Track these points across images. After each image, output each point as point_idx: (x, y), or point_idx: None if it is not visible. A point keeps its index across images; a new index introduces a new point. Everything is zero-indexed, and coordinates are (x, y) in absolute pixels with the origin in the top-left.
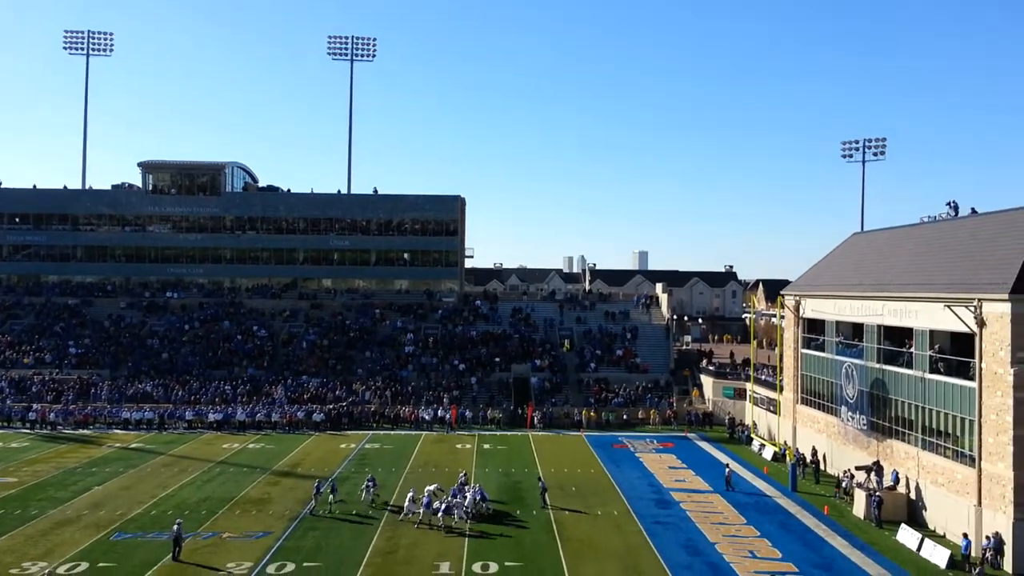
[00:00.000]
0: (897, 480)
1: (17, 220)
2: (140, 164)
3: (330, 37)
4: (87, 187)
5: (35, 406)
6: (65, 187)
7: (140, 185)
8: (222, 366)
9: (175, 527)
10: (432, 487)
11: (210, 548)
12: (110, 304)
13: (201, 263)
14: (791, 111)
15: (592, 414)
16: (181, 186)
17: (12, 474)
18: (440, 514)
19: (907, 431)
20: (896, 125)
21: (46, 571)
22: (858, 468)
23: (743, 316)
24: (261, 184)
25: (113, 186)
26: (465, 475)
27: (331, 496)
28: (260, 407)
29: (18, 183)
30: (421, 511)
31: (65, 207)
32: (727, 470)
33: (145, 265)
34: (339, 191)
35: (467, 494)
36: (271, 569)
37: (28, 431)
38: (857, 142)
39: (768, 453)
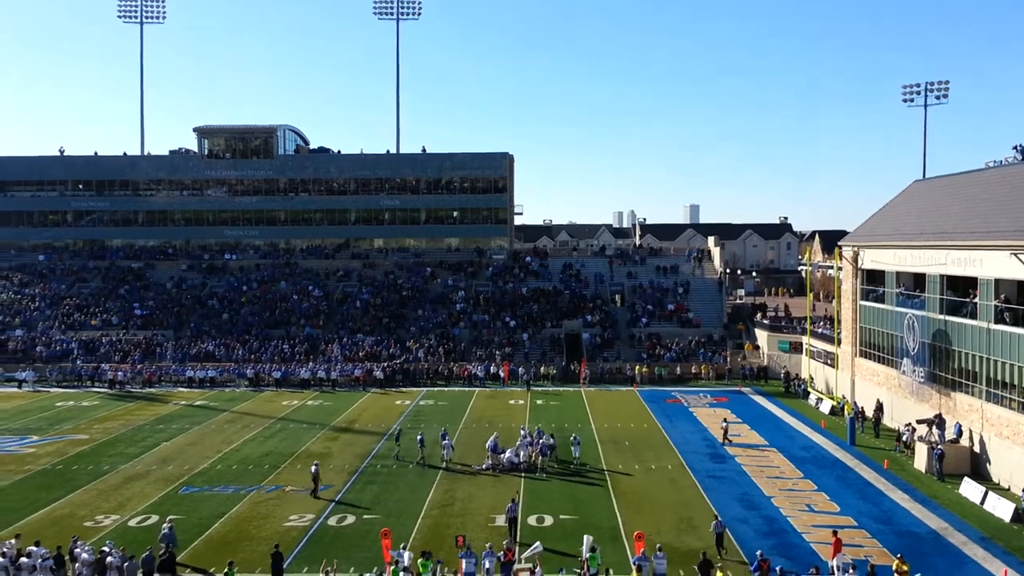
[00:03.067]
0: (960, 433)
1: (81, 187)
2: (195, 129)
3: None
4: (146, 153)
5: (104, 366)
6: (125, 154)
7: (196, 150)
8: (279, 325)
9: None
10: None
11: (274, 501)
12: (171, 267)
13: (256, 225)
14: (849, 55)
15: (644, 369)
16: (235, 150)
17: (84, 431)
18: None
19: (970, 383)
20: (959, 67)
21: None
22: (919, 421)
23: (799, 268)
24: (312, 146)
25: (171, 152)
26: (540, 428)
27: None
28: (318, 365)
29: (80, 151)
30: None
31: (126, 173)
32: (724, 424)
33: (203, 228)
34: (388, 151)
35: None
36: (332, 521)
37: (98, 390)
38: (918, 85)
39: (826, 407)
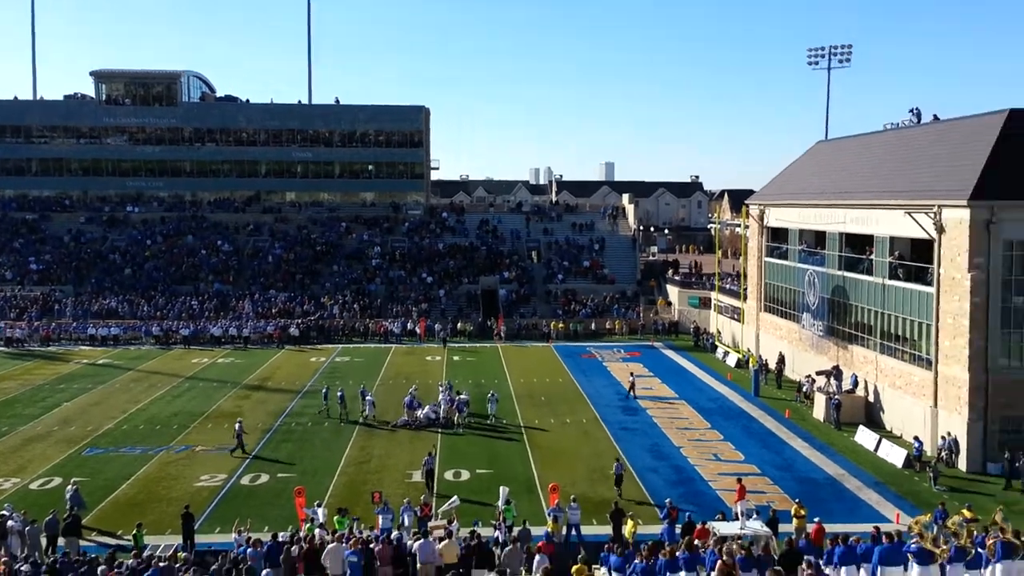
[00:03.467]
0: (856, 384)
1: None
2: (92, 73)
3: None
4: (39, 98)
5: None
6: (16, 98)
7: (93, 95)
8: (187, 281)
9: (70, 490)
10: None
11: (184, 461)
12: (69, 219)
13: (161, 176)
14: (758, 18)
15: (560, 325)
16: (136, 96)
17: None
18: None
19: (866, 336)
20: (862, 31)
21: None
22: (818, 373)
23: (708, 226)
24: (219, 95)
25: (65, 96)
26: (449, 384)
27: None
28: (229, 322)
29: None
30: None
31: (17, 119)
32: (631, 378)
33: (103, 179)
34: (299, 101)
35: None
36: (245, 480)
37: None
38: (823, 49)
39: (732, 360)
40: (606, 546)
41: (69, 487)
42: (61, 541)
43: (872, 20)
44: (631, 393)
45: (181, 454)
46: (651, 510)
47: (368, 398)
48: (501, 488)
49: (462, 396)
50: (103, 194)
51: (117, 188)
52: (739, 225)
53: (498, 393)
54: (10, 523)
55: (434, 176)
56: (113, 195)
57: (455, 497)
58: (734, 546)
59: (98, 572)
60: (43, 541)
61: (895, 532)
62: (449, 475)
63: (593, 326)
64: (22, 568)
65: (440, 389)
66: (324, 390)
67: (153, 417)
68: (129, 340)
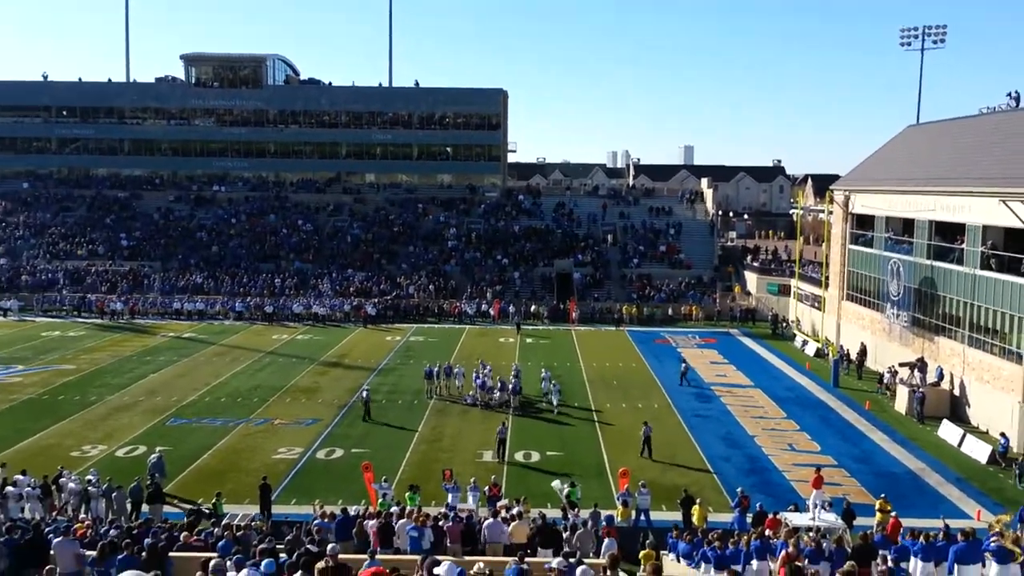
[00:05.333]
0: (941, 376)
1: (65, 113)
2: (183, 57)
3: None
4: (131, 80)
5: (90, 296)
6: (110, 80)
7: (183, 78)
8: (269, 259)
9: (154, 458)
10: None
11: (262, 434)
12: (158, 197)
13: (246, 157)
14: None
15: (634, 309)
16: (224, 79)
17: (70, 362)
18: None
19: (954, 328)
20: (958, 11)
21: None
22: (902, 364)
23: (790, 212)
24: (302, 78)
25: (157, 79)
26: (517, 368)
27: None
28: (309, 300)
29: (64, 76)
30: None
31: (111, 100)
32: (683, 366)
33: (191, 159)
34: (380, 84)
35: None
36: (321, 454)
37: (84, 320)
38: (916, 29)
39: (811, 349)
40: (675, 532)
41: (153, 456)
42: (145, 507)
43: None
44: (683, 380)
45: (260, 427)
46: (722, 498)
47: (457, 370)
48: (553, 483)
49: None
50: (191, 174)
51: (204, 168)
52: (822, 211)
53: (560, 384)
54: (91, 488)
55: (511, 159)
56: (200, 175)
57: (558, 481)
58: (805, 537)
59: (179, 538)
60: (128, 506)
61: (970, 529)
62: (520, 456)
63: (669, 311)
64: (110, 531)
65: (513, 369)
66: (438, 368)
67: (234, 390)
68: (213, 315)
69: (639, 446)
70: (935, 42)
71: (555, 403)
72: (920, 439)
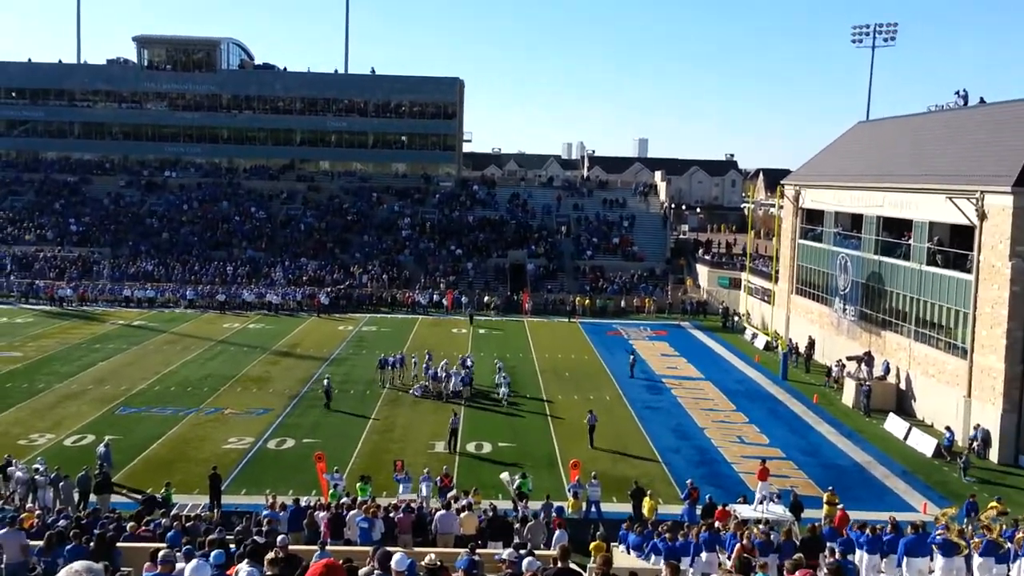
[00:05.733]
0: (887, 370)
1: (13, 95)
2: (135, 39)
3: None
4: (83, 62)
5: (39, 282)
6: (60, 61)
7: (136, 60)
8: (221, 247)
9: (101, 448)
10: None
11: (212, 423)
12: (109, 182)
13: (199, 142)
14: None
15: (587, 301)
16: (177, 62)
17: (18, 349)
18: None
19: (900, 323)
20: (908, 9)
21: None
22: (849, 358)
23: (742, 206)
24: (257, 62)
25: (108, 61)
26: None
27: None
28: (261, 288)
29: (12, 57)
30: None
31: (61, 82)
32: (631, 358)
33: (143, 143)
34: (336, 71)
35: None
36: (271, 444)
37: (31, 307)
38: (868, 26)
39: (760, 342)
40: (625, 524)
41: (101, 446)
42: (92, 497)
43: None
44: (632, 372)
45: (211, 416)
46: (672, 490)
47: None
48: (501, 476)
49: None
50: (142, 159)
51: (156, 153)
52: (773, 206)
53: (509, 377)
54: (39, 477)
55: (466, 148)
56: (152, 160)
57: (507, 473)
58: (755, 530)
59: (127, 528)
60: (76, 496)
61: (919, 523)
62: (471, 447)
63: (621, 303)
64: (59, 522)
65: (461, 361)
66: (384, 358)
67: (185, 379)
68: (164, 303)
69: (587, 436)
70: (886, 40)
71: (504, 395)
72: (867, 432)
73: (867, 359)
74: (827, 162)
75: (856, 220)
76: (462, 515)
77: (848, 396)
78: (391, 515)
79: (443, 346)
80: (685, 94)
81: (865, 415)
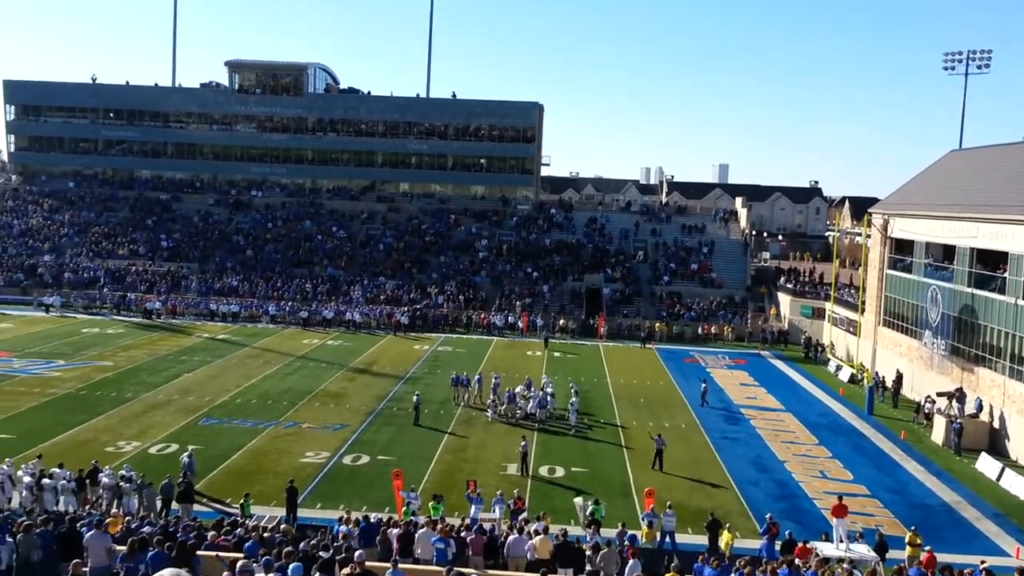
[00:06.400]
0: (980, 408)
1: (111, 116)
2: (227, 63)
3: None
4: (177, 85)
5: (130, 295)
6: (156, 84)
7: (227, 84)
8: (303, 264)
9: (186, 458)
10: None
11: (291, 437)
12: (198, 200)
13: (284, 163)
14: (889, 17)
15: (664, 327)
16: (266, 86)
17: (109, 359)
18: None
19: (994, 358)
20: (1004, 36)
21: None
22: (939, 394)
23: (826, 234)
24: (342, 86)
25: (201, 84)
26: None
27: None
28: (340, 306)
29: (112, 79)
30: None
31: (156, 104)
32: (703, 386)
33: (231, 163)
34: (418, 95)
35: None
36: (347, 460)
37: (123, 319)
38: (960, 53)
39: (845, 375)
40: (701, 557)
41: (185, 456)
42: (175, 505)
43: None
44: (703, 400)
45: (289, 430)
46: (750, 523)
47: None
48: (575, 500)
49: (545, 392)
50: (231, 178)
51: (244, 173)
52: (860, 234)
53: (578, 403)
54: (124, 484)
55: (544, 172)
56: (240, 179)
57: (581, 498)
58: (838, 569)
59: (208, 536)
60: (158, 503)
61: (1018, 569)
62: (544, 471)
63: (699, 330)
64: (142, 528)
65: (544, 383)
66: (457, 376)
67: (265, 392)
68: (247, 317)
69: (651, 458)
70: (979, 67)
71: (572, 422)
72: (957, 471)
73: (958, 395)
74: (918, 191)
75: (948, 251)
76: (536, 539)
77: (938, 433)
78: (463, 535)
79: (517, 368)
80: (767, 119)
81: (956, 454)
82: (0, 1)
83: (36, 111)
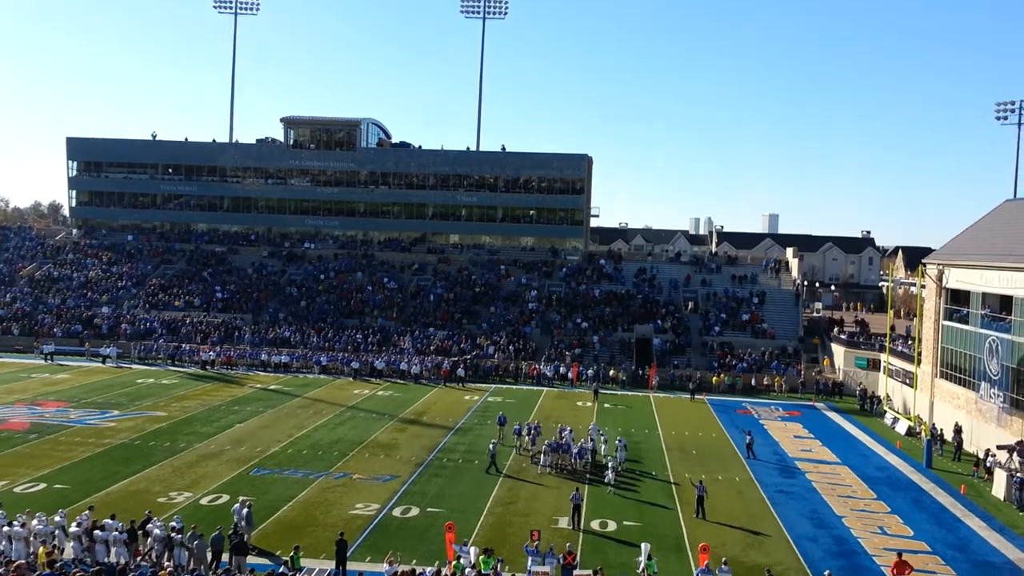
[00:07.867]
0: None
1: (170, 171)
2: (282, 120)
3: None
4: (234, 141)
5: (185, 346)
6: (214, 140)
7: (282, 139)
8: (354, 315)
9: (245, 509)
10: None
11: (341, 488)
12: (253, 253)
13: (336, 216)
14: (941, 67)
15: (715, 378)
16: (320, 141)
17: (162, 409)
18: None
19: None
20: None
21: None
22: (1000, 447)
23: (880, 284)
24: (394, 140)
25: (257, 140)
26: (600, 429)
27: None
28: (391, 356)
29: (172, 136)
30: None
31: (214, 159)
32: (748, 438)
33: (285, 216)
34: (468, 148)
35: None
36: (397, 512)
37: (177, 369)
38: (1013, 103)
39: (902, 427)
40: None
41: (244, 508)
42: (224, 556)
43: None
44: (750, 452)
45: (339, 481)
46: None
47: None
48: (643, 544)
49: (584, 443)
50: (284, 231)
51: (297, 225)
52: (914, 284)
53: (624, 455)
54: (175, 536)
55: (593, 223)
56: (293, 232)
57: (647, 545)
58: None
59: None
60: (208, 555)
61: None
62: (596, 524)
63: (751, 381)
64: None
65: (591, 431)
66: (516, 428)
67: (316, 443)
68: (299, 368)
69: (699, 508)
70: None
71: (610, 480)
72: (1020, 527)
73: (1020, 449)
74: (972, 241)
75: (1005, 301)
76: None
77: (999, 488)
78: None
79: (568, 419)
80: (817, 169)
81: (1019, 509)
82: (66, 66)
83: (97, 167)
